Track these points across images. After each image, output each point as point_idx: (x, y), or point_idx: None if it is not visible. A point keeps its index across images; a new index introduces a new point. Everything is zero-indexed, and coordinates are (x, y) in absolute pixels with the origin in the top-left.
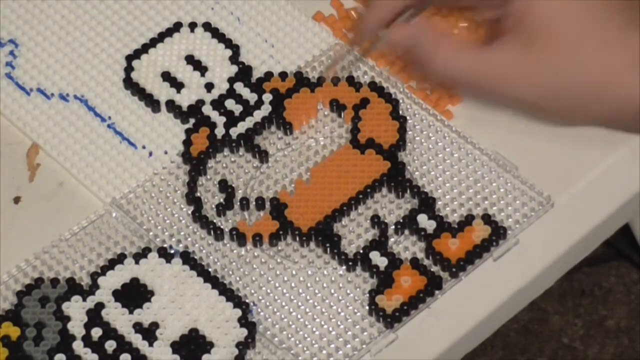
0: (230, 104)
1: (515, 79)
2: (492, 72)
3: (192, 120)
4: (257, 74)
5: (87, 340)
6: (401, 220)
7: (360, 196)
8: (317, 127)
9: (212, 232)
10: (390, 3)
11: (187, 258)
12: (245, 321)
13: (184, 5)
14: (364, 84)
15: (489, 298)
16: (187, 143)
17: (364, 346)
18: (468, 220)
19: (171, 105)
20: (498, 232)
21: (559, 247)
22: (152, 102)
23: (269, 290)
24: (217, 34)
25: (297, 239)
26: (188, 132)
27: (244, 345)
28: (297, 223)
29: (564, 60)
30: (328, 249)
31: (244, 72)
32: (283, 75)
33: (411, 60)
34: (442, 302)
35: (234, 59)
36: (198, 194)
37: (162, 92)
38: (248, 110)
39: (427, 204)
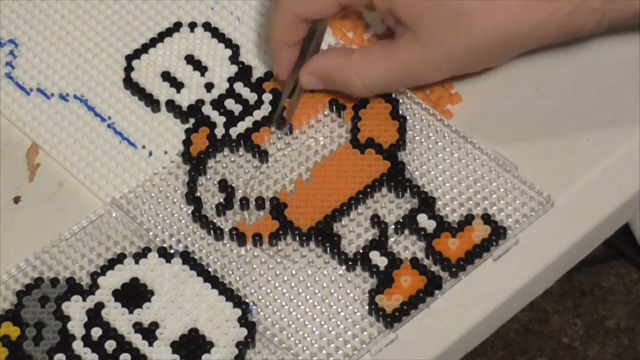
0: (230, 103)
1: (425, 69)
2: (406, 72)
3: (192, 120)
4: (257, 73)
5: (87, 340)
6: (401, 220)
7: (360, 196)
8: (317, 127)
9: (212, 232)
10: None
11: (187, 258)
12: (245, 321)
13: (183, 5)
14: None
15: (489, 298)
16: (187, 143)
17: (363, 346)
18: (468, 220)
19: (171, 105)
20: (498, 232)
21: (559, 246)
22: (152, 102)
23: (268, 290)
24: (217, 34)
25: (297, 238)
26: (188, 132)
27: (243, 345)
28: (297, 223)
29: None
30: (328, 249)
31: (243, 72)
32: None
33: (333, 87)
34: (442, 302)
35: (234, 58)
36: (198, 194)
37: (162, 92)
38: (248, 110)
39: (427, 203)
